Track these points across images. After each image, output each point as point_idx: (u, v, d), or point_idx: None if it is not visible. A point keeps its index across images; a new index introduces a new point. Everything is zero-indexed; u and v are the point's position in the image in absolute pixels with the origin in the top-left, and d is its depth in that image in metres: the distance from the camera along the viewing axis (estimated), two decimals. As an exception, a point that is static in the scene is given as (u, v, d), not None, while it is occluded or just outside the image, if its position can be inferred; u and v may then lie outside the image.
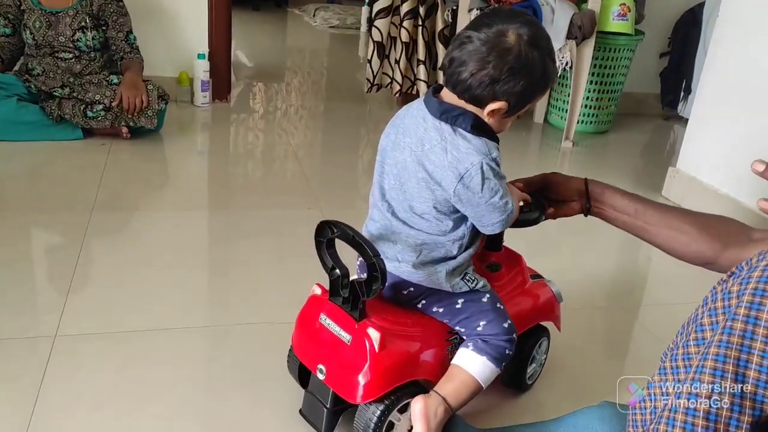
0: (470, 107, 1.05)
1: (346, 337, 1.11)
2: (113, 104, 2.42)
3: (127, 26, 2.58)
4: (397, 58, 3.19)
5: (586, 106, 3.17)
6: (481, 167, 1.03)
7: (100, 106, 2.44)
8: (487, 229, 1.10)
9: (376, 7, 3.12)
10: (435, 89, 1.11)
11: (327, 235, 1.11)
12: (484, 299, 1.17)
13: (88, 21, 2.48)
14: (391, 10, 3.12)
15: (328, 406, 1.16)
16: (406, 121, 1.12)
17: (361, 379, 1.08)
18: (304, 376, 1.24)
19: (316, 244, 1.13)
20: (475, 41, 1.01)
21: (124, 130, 2.51)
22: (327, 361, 1.13)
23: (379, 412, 1.09)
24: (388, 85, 3.32)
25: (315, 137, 3.15)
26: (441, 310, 1.17)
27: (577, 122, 3.04)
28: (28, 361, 1.32)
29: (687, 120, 2.60)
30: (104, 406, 1.22)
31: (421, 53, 3.14)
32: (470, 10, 2.85)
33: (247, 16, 5.58)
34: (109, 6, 2.52)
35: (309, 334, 1.18)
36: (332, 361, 1.12)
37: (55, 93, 2.47)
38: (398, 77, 3.21)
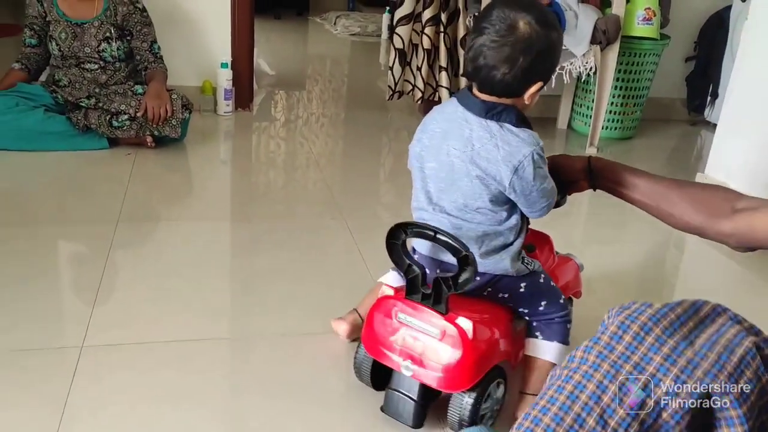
0: (508, 100, 1.14)
1: (433, 331, 1.16)
2: (138, 114, 2.44)
3: (151, 36, 2.60)
4: (419, 65, 3.18)
5: (610, 111, 3.13)
6: (533, 157, 1.12)
7: (125, 116, 2.46)
8: (536, 214, 1.20)
9: (398, 14, 3.11)
10: (468, 89, 1.18)
11: (401, 237, 1.16)
12: (541, 280, 1.27)
13: (112, 31, 2.50)
14: (412, 17, 3.11)
15: (416, 399, 1.20)
16: (443, 125, 1.18)
17: (458, 369, 1.14)
18: (377, 376, 1.28)
19: (389, 247, 1.17)
20: (493, 43, 1.09)
21: (149, 139, 2.53)
22: (413, 357, 1.18)
23: (473, 399, 1.16)
24: (409, 92, 3.31)
25: (336, 146, 3.15)
26: (506, 295, 1.25)
27: (602, 128, 3.00)
28: (55, 370, 1.33)
29: (714, 125, 2.56)
30: (130, 416, 1.22)
31: (443, 60, 3.13)
32: (493, 17, 2.83)
33: (268, 25, 5.61)
34: (134, 16, 2.54)
35: (387, 333, 1.22)
36: (419, 356, 1.17)
37: (81, 103, 2.50)
38: (420, 84, 3.20)
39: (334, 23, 5.98)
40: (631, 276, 2.00)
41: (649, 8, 2.86)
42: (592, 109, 3.04)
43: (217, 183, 2.55)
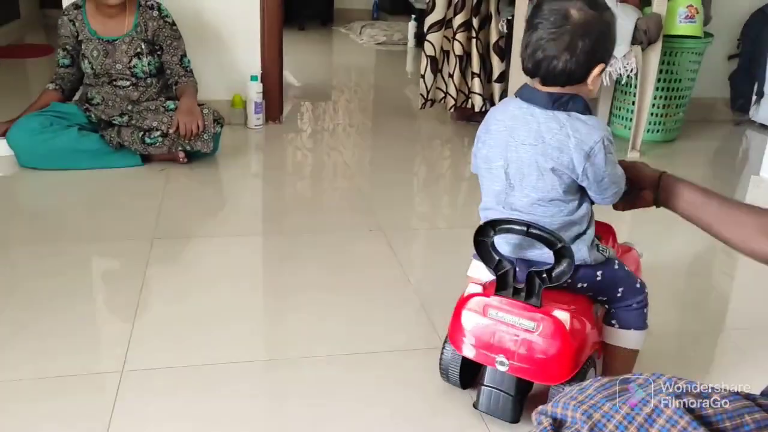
0: (572, 89, 1.17)
1: (529, 324, 1.17)
2: (171, 131, 2.41)
3: (181, 50, 2.58)
4: (451, 72, 3.11)
5: (652, 113, 3.02)
6: (603, 143, 1.15)
7: (158, 133, 2.43)
8: (607, 200, 1.22)
9: (429, 20, 3.05)
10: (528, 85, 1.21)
11: (490, 234, 1.18)
12: (616, 266, 1.27)
13: (143, 47, 2.48)
14: (443, 23, 3.05)
15: (513, 394, 1.21)
16: (507, 123, 1.21)
17: (558, 361, 1.16)
18: (465, 374, 1.31)
19: (478, 245, 1.20)
20: (551, 35, 1.12)
21: (181, 154, 2.50)
22: (508, 352, 1.18)
23: None
24: (441, 99, 3.24)
25: (368, 156, 3.09)
26: (585, 285, 1.24)
27: (644, 131, 2.90)
28: (95, 398, 1.28)
29: (760, 124, 2.46)
30: (175, 449, 1.17)
31: (476, 66, 3.06)
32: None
33: (293, 37, 5.60)
34: (164, 30, 2.52)
35: (478, 331, 1.22)
36: (515, 350, 1.18)
37: (114, 121, 2.48)
38: (452, 91, 3.13)
39: (360, 33, 5.95)
40: (679, 276, 1.90)
41: (691, 5, 2.76)
42: (632, 111, 2.94)
43: (250, 196, 2.50)
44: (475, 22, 3.01)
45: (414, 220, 2.34)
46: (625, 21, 2.67)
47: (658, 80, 2.92)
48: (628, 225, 2.11)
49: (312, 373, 1.40)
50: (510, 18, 2.88)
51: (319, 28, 6.43)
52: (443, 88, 3.20)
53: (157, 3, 2.53)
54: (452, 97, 3.14)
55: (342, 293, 1.72)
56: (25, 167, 2.40)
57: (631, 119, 2.97)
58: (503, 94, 3.06)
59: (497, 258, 1.20)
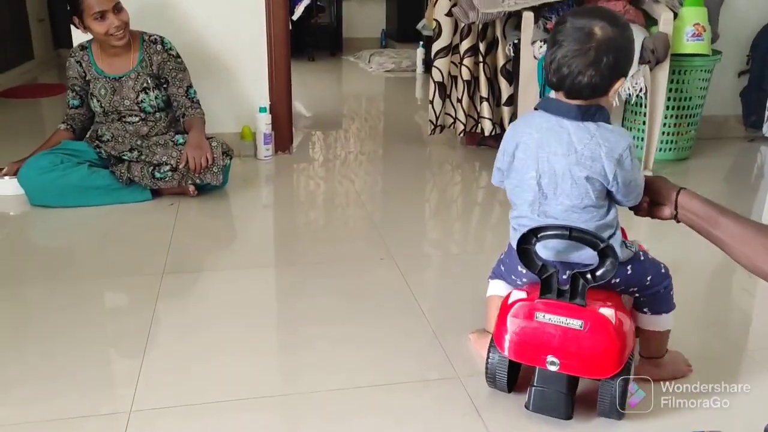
0: (595, 101, 1.25)
1: (576, 323, 1.23)
2: (180, 166, 2.42)
3: (186, 81, 2.59)
4: (459, 97, 3.11)
5: (663, 132, 2.99)
6: (630, 149, 1.25)
7: (167, 167, 2.44)
8: (631, 202, 1.31)
9: (435, 47, 3.06)
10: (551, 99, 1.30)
11: (532, 242, 1.25)
12: (642, 257, 1.36)
13: (149, 81, 2.50)
14: (450, 49, 3.06)
15: (565, 391, 1.27)
16: (536, 136, 1.28)
17: (607, 356, 1.23)
18: (511, 379, 1.37)
19: (522, 252, 1.27)
20: (576, 52, 1.21)
21: (191, 188, 2.50)
22: (558, 352, 1.24)
23: (622, 381, 1.26)
24: (450, 125, 3.24)
25: (378, 183, 3.08)
26: (618, 280, 1.33)
27: (656, 150, 2.87)
28: (103, 440, 1.26)
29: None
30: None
31: (484, 90, 3.05)
32: (533, 43, 2.76)
33: (303, 67, 5.65)
34: (168, 63, 2.54)
35: (527, 335, 1.27)
36: (564, 350, 1.24)
37: (124, 157, 2.50)
38: (461, 116, 3.12)
39: (368, 61, 6.00)
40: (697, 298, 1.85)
41: (698, 24, 2.74)
42: (643, 131, 2.91)
43: (260, 228, 2.50)
44: (481, 46, 3.01)
45: (426, 247, 2.31)
46: (632, 41, 2.66)
47: (668, 99, 2.89)
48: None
49: (325, 407, 1.37)
50: (516, 42, 2.88)
51: (328, 58, 6.50)
52: (452, 113, 3.20)
53: (160, 37, 2.55)
54: (461, 122, 3.14)
55: (354, 324, 1.69)
56: (36, 205, 2.42)
57: (642, 138, 2.94)
58: (512, 118, 3.05)
59: (540, 263, 1.27)
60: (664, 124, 2.95)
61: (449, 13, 2.99)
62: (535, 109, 1.35)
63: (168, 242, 2.15)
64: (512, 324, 1.28)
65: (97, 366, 1.50)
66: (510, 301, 1.31)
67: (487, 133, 3.10)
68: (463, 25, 2.97)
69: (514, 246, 1.31)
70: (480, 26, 2.95)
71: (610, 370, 1.24)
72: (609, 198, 1.29)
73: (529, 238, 1.25)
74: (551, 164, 1.27)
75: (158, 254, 2.05)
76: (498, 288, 1.51)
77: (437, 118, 3.19)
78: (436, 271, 2.10)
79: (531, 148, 1.29)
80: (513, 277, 1.45)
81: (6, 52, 4.75)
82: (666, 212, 1.30)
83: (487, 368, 1.37)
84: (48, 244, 2.28)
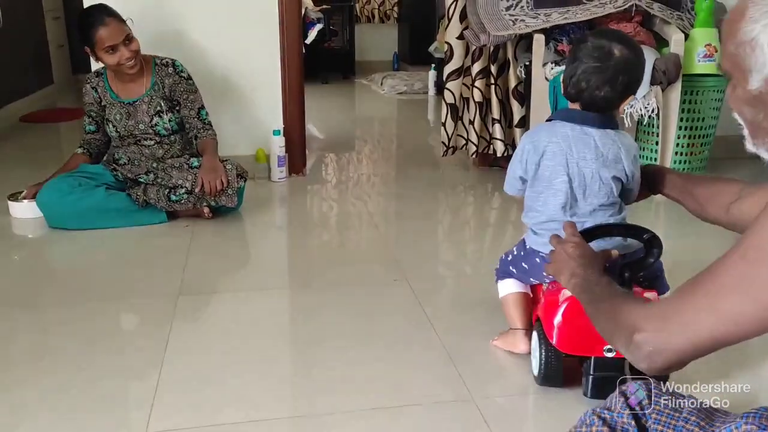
0: (608, 112, 1.43)
1: None
2: (196, 190, 2.44)
3: (198, 102, 2.63)
4: (471, 119, 3.13)
5: (676, 152, 2.98)
6: (637, 149, 1.46)
7: (183, 190, 2.47)
8: (633, 198, 1.50)
9: (447, 69, 3.08)
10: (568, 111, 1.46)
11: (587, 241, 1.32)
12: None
13: (162, 104, 2.54)
14: (462, 71, 3.09)
15: (624, 374, 1.28)
16: (562, 144, 1.42)
17: None
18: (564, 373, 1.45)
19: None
20: (595, 69, 1.37)
21: (206, 210, 2.52)
22: None
23: None
24: (463, 146, 3.25)
25: (392, 204, 3.09)
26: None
27: (669, 170, 2.86)
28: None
29: (791, 160, 2.41)
30: None
31: (496, 112, 3.07)
32: (545, 65, 2.78)
33: (316, 90, 5.71)
34: (179, 85, 2.58)
35: (582, 328, 1.30)
36: None
37: (140, 179, 2.53)
38: (474, 138, 3.14)
39: (381, 84, 6.06)
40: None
41: (709, 44, 2.75)
42: (656, 151, 2.91)
43: (274, 250, 2.51)
44: (493, 68, 3.04)
45: (439, 268, 2.31)
46: (643, 62, 2.67)
47: (681, 119, 2.89)
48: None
49: (341, 429, 1.37)
50: (527, 63, 2.90)
51: (341, 80, 6.57)
52: (464, 135, 3.22)
53: (172, 60, 2.60)
54: (474, 144, 3.15)
55: (368, 345, 1.69)
56: (54, 228, 2.45)
57: (655, 159, 2.93)
58: (524, 139, 3.05)
59: None
60: (677, 144, 2.95)
61: (461, 36, 3.02)
62: (550, 119, 1.50)
63: (183, 264, 2.17)
64: (567, 321, 1.36)
65: (112, 388, 1.51)
66: (561, 298, 1.38)
67: (499, 155, 3.11)
68: (474, 47, 2.99)
69: (539, 249, 1.48)
70: (491, 48, 2.98)
71: None
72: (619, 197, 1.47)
73: (586, 238, 1.32)
74: (581, 168, 1.41)
75: (173, 276, 2.07)
76: (511, 286, 1.60)
77: (449, 140, 3.21)
78: (450, 292, 2.10)
79: (558, 155, 1.42)
80: (532, 279, 1.56)
81: (27, 77, 4.85)
82: (644, 193, 1.48)
83: (541, 369, 1.44)
84: (65, 266, 2.31)
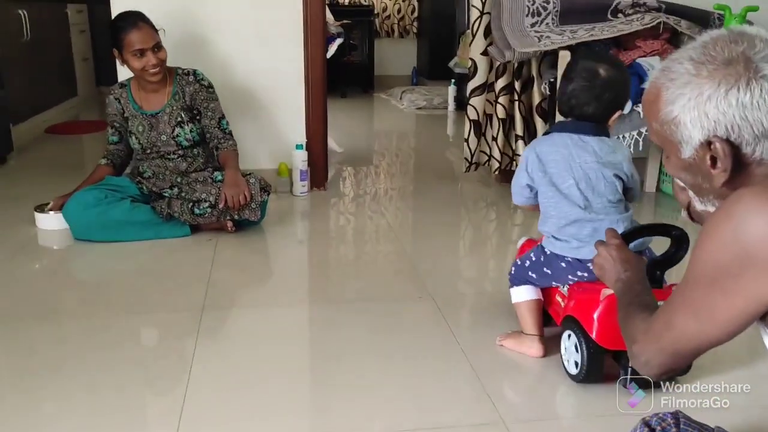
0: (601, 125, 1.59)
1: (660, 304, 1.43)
2: (220, 206, 2.45)
3: (218, 112, 2.63)
4: (494, 135, 3.12)
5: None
6: (630, 153, 1.62)
7: (206, 204, 2.48)
8: (637, 195, 1.66)
9: (471, 85, 3.08)
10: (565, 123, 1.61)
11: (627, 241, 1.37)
12: None
13: (183, 115, 2.55)
14: (485, 87, 3.08)
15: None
16: (563, 152, 1.56)
17: None
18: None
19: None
20: (583, 87, 1.53)
21: (229, 224, 2.53)
22: None
23: None
24: (485, 163, 3.24)
25: (413, 220, 3.08)
26: None
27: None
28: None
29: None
30: None
31: (519, 128, 3.05)
32: (570, 82, 2.76)
33: (335, 104, 5.72)
34: (200, 93, 2.59)
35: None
36: None
37: (164, 193, 2.55)
38: (496, 154, 3.12)
39: (400, 98, 6.07)
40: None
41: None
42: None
43: (297, 264, 2.51)
44: (517, 85, 3.02)
45: (462, 285, 2.29)
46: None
47: (708, 137, 2.85)
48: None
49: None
50: (552, 80, 2.88)
51: (360, 95, 6.60)
52: (487, 151, 3.20)
53: (193, 69, 2.61)
54: (496, 160, 3.14)
55: (393, 364, 1.67)
56: (79, 239, 2.47)
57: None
58: (548, 156, 3.04)
59: None
60: (704, 163, 2.91)
61: (485, 52, 3.02)
62: (547, 132, 1.66)
63: (207, 278, 2.17)
64: (606, 319, 1.44)
65: (138, 405, 1.51)
66: (602, 296, 1.46)
67: (522, 171, 3.09)
68: (498, 63, 2.99)
69: (564, 254, 1.58)
70: (515, 65, 2.97)
71: None
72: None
73: (626, 241, 1.38)
74: (585, 171, 1.55)
75: (197, 290, 2.07)
76: (527, 293, 1.69)
77: (472, 156, 3.20)
78: (474, 309, 2.08)
79: (561, 162, 1.55)
80: (554, 282, 1.64)
81: (52, 89, 4.92)
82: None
83: (584, 363, 1.50)
84: (89, 278, 2.31)
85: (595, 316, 1.46)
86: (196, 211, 2.48)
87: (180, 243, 2.49)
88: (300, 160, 3.04)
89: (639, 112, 2.66)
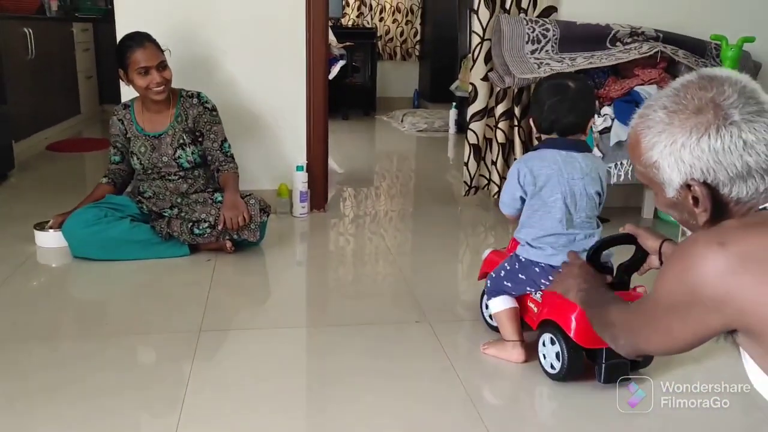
0: (577, 136, 1.71)
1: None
2: (218, 227, 2.45)
3: (221, 135, 2.64)
4: (494, 160, 3.14)
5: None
6: (605, 167, 1.79)
7: (206, 224, 2.49)
8: (600, 212, 1.76)
9: (471, 110, 3.10)
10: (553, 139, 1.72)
11: (599, 255, 1.55)
12: None
13: (185, 137, 2.57)
14: (486, 112, 3.10)
15: (628, 360, 1.58)
16: (553, 167, 1.67)
17: None
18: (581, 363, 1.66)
19: (594, 260, 1.57)
20: (559, 101, 1.66)
21: (228, 244, 2.53)
22: None
23: None
24: (485, 186, 3.25)
25: (412, 243, 3.09)
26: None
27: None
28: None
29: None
30: None
31: (519, 153, 3.07)
32: (569, 108, 2.78)
33: (337, 126, 5.76)
34: (203, 116, 2.60)
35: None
36: None
37: (164, 213, 2.56)
38: (496, 178, 3.14)
39: (401, 120, 6.11)
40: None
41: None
42: (680, 196, 2.89)
43: (295, 286, 2.51)
44: (516, 110, 3.05)
45: (460, 310, 2.29)
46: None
47: (706, 165, 2.87)
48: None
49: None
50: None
51: (362, 116, 6.63)
52: (486, 175, 3.22)
53: (197, 92, 2.63)
54: (496, 184, 3.15)
55: (389, 389, 1.67)
56: (78, 257, 2.47)
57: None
58: (547, 181, 3.05)
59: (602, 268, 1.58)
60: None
61: (485, 78, 3.05)
62: (536, 148, 1.77)
63: (205, 299, 2.17)
64: (582, 322, 1.54)
65: (132, 427, 1.50)
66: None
67: (521, 196, 3.11)
68: (498, 89, 3.02)
69: (539, 260, 1.70)
70: (515, 91, 3.00)
71: None
72: None
73: (597, 254, 1.54)
74: (571, 186, 1.66)
75: (195, 311, 2.07)
76: (504, 302, 1.79)
77: (472, 180, 3.21)
78: (472, 335, 2.07)
79: (552, 177, 1.66)
80: (528, 288, 1.76)
81: (55, 106, 4.95)
82: (654, 262, 1.44)
83: (564, 361, 1.62)
84: (86, 297, 2.31)
85: (573, 317, 1.59)
86: (196, 231, 2.49)
87: (179, 262, 2.49)
88: (300, 181, 3.05)
89: (637, 140, 2.68)
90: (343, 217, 3.31)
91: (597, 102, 2.82)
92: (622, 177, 2.74)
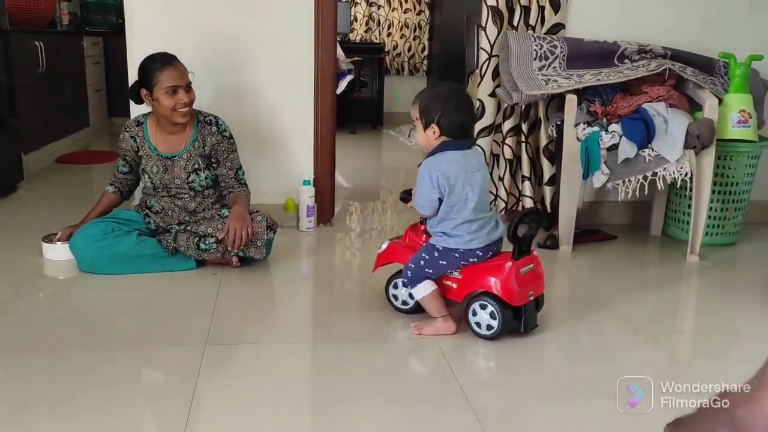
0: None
1: (532, 266, 2.01)
2: (220, 236, 2.45)
3: (237, 163, 2.65)
4: (501, 176, 3.14)
5: (710, 217, 2.94)
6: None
7: (212, 239, 2.49)
8: None
9: (478, 126, 3.11)
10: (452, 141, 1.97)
11: (521, 226, 1.96)
12: None
13: (200, 162, 2.56)
14: (493, 128, 3.11)
15: (538, 309, 2.08)
16: (458, 166, 1.91)
17: (543, 278, 2.07)
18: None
19: (515, 233, 1.94)
20: (457, 106, 1.94)
21: (235, 259, 2.53)
22: (531, 286, 1.99)
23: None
24: (492, 202, 3.24)
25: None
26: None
27: (702, 234, 2.82)
28: None
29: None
30: None
31: (526, 169, 3.07)
32: (577, 125, 2.79)
33: (344, 140, 5.78)
34: (221, 144, 2.60)
35: (519, 283, 1.94)
36: (533, 283, 2.00)
37: (171, 228, 2.56)
38: (503, 194, 3.14)
39: (408, 135, 6.12)
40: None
41: (743, 110, 2.74)
42: (689, 214, 2.88)
43: (301, 301, 2.50)
44: (524, 126, 3.05)
45: (465, 325, 2.27)
46: (676, 125, 2.67)
47: (714, 183, 2.86)
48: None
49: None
50: (559, 123, 2.91)
51: (369, 131, 6.65)
52: (494, 191, 3.21)
53: (215, 117, 2.62)
54: (503, 200, 3.15)
55: (395, 407, 1.66)
56: (84, 271, 2.48)
57: (687, 222, 2.90)
58: (554, 197, 3.05)
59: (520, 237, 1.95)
60: (711, 209, 2.91)
61: (492, 94, 3.05)
62: (434, 153, 1.94)
63: (211, 313, 2.16)
64: (512, 282, 1.90)
65: (137, 440, 1.49)
66: (507, 267, 1.91)
67: (528, 212, 3.10)
68: (506, 105, 3.02)
69: (457, 247, 1.95)
70: (522, 107, 3.00)
71: (544, 287, 2.07)
72: None
73: (519, 225, 1.92)
74: (476, 179, 1.93)
75: (201, 325, 2.06)
76: (428, 286, 2.01)
77: (478, 195, 3.21)
78: (479, 353, 2.06)
79: (460, 175, 1.90)
80: (449, 271, 2.00)
81: (64, 119, 4.99)
82: None
83: (500, 322, 1.93)
84: (92, 310, 2.31)
85: (497, 280, 1.92)
86: (202, 246, 2.49)
87: (185, 276, 2.50)
88: (307, 195, 3.06)
89: (644, 156, 2.67)
90: (349, 232, 3.30)
91: (605, 120, 2.82)
92: (630, 194, 2.73)
